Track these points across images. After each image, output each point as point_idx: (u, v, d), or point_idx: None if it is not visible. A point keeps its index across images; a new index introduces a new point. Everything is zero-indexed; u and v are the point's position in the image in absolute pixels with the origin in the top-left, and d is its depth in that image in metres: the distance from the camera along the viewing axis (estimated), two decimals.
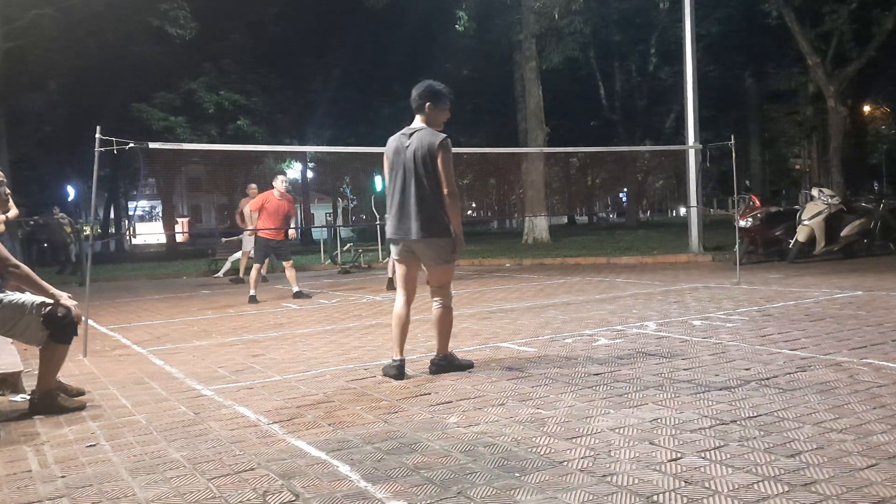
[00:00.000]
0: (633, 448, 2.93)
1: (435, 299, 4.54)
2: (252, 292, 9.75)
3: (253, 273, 10.00)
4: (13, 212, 7.26)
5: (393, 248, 4.61)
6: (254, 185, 13.61)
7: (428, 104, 4.43)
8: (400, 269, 4.62)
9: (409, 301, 4.57)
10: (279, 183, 9.90)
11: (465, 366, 4.58)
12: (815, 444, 2.86)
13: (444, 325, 4.53)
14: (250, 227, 13.30)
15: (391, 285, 9.90)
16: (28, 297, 4.02)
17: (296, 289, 9.96)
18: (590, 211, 55.63)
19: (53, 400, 4.03)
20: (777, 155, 39.06)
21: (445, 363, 4.54)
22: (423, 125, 4.44)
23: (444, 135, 4.40)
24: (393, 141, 4.50)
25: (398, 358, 4.46)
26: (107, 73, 24.46)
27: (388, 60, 27.23)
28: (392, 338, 4.53)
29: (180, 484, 2.80)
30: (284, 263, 10.39)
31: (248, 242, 13.35)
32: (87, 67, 23.83)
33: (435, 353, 4.61)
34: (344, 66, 27.25)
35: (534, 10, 19.28)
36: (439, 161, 4.30)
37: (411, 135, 4.41)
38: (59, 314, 3.94)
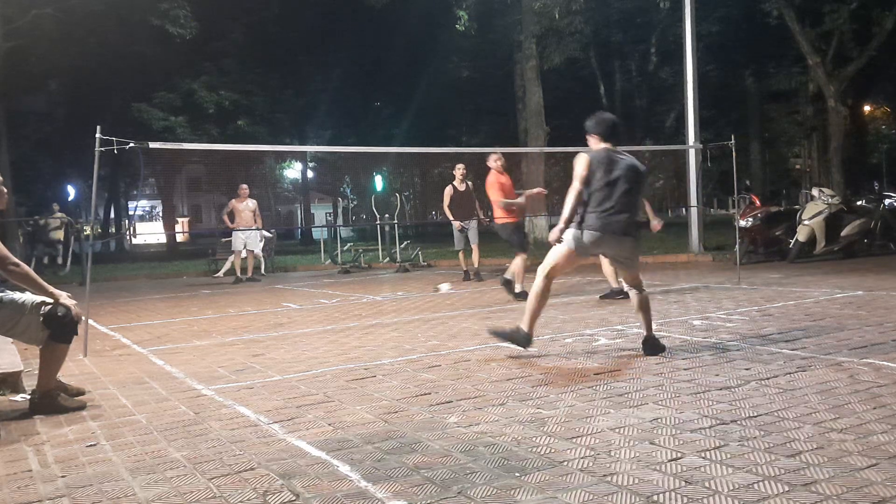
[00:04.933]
0: (634, 448, 2.93)
1: (635, 288, 5.03)
2: (519, 287, 8.24)
3: (521, 263, 8.46)
4: None
5: (594, 237, 4.81)
6: (245, 186, 13.46)
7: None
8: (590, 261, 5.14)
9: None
10: (493, 161, 9.03)
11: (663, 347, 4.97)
12: (816, 444, 2.86)
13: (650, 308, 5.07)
14: (248, 226, 13.26)
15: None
16: (28, 297, 4.02)
17: (508, 276, 8.46)
18: None
19: (54, 400, 4.03)
20: (777, 155, 39.06)
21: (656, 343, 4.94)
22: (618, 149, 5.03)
23: None
24: (605, 153, 4.88)
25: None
26: (107, 73, 24.44)
27: (388, 60, 27.21)
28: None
29: (180, 484, 2.80)
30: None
31: (240, 243, 13.26)
32: (87, 67, 23.81)
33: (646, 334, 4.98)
34: (344, 65, 27.24)
35: (534, 9, 19.26)
36: (644, 180, 5.02)
37: (621, 153, 4.97)
38: (59, 313, 3.94)
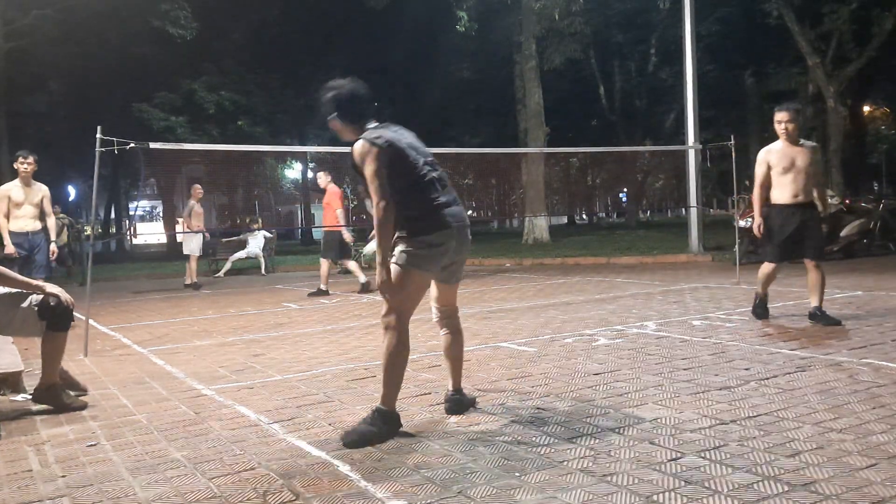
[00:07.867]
0: (633, 448, 2.93)
1: (454, 317, 3.98)
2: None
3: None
4: None
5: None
6: (198, 186, 12.98)
7: None
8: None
9: None
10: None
11: None
12: (815, 444, 2.86)
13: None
14: (196, 229, 12.89)
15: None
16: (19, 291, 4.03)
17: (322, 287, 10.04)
18: (590, 211, 55.68)
19: (57, 394, 4.05)
20: None
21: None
22: None
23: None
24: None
25: None
26: (108, 74, 24.43)
27: (389, 61, 27.22)
28: None
29: (181, 483, 2.81)
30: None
31: (196, 247, 12.82)
32: (88, 68, 23.81)
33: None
34: (344, 66, 27.13)
35: (534, 10, 19.28)
36: None
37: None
38: (52, 303, 3.96)
